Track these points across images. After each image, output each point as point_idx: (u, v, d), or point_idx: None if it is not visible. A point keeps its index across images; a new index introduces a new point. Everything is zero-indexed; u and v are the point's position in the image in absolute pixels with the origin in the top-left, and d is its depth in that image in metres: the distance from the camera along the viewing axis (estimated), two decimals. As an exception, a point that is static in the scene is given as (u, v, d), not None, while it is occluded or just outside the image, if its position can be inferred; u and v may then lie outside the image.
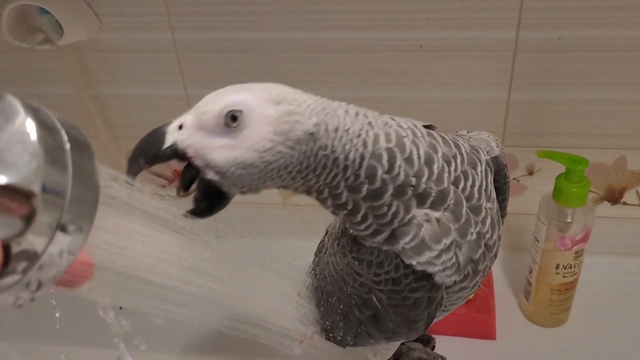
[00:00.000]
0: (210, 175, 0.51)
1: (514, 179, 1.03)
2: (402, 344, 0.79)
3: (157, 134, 0.51)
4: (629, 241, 1.06)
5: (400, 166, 0.54)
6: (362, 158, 0.54)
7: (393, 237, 0.57)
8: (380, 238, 0.57)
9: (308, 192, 0.56)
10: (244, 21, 0.94)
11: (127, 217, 0.72)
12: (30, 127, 0.32)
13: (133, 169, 0.51)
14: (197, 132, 0.51)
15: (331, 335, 0.73)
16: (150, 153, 0.51)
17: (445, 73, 0.94)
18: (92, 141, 0.37)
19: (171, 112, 1.05)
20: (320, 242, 0.76)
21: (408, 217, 0.56)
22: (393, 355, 0.78)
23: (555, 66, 0.90)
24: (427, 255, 0.58)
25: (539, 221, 0.90)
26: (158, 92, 1.03)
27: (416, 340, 0.84)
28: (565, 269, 0.90)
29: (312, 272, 0.77)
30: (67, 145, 0.34)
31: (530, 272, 0.96)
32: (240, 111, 0.50)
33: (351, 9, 0.90)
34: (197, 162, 0.51)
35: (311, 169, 0.53)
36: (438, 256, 0.59)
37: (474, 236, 0.60)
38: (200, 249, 0.75)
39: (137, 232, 0.72)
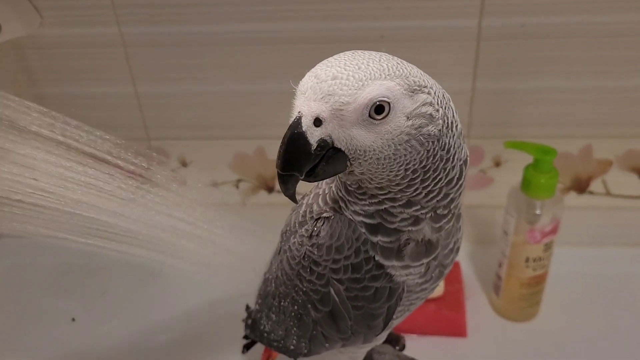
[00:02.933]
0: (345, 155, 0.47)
1: (481, 171, 1.00)
2: (371, 349, 0.75)
3: (299, 140, 0.45)
4: (596, 231, 1.05)
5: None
6: (465, 164, 0.53)
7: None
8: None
9: (386, 190, 0.52)
10: (196, 13, 0.89)
11: (25, 144, 0.67)
12: None
13: (290, 187, 0.47)
14: (339, 126, 0.46)
15: (283, 344, 0.70)
16: (301, 164, 0.46)
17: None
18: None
19: (120, 111, 1.01)
20: (276, 249, 0.72)
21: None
22: (363, 363, 0.74)
23: (520, 54, 0.88)
24: (395, 264, 0.56)
25: (508, 214, 0.88)
26: (105, 90, 0.98)
27: (385, 341, 0.81)
28: (535, 262, 0.88)
29: (264, 279, 0.74)
30: None
31: (500, 266, 0.93)
32: (387, 103, 0.45)
33: (308, -2, 0.86)
34: (343, 149, 0.47)
35: (426, 169, 0.50)
36: (405, 267, 0.56)
37: (452, 244, 0.57)
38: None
39: (38, 160, 0.69)
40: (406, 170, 0.49)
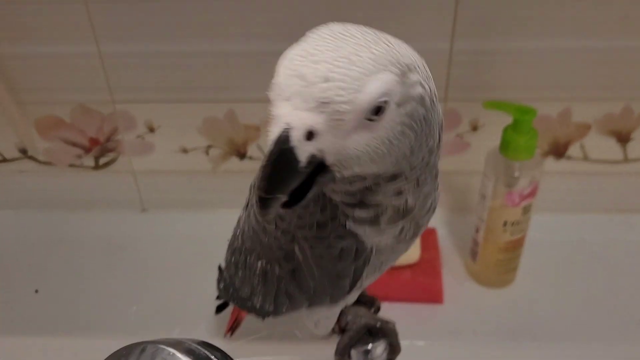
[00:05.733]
0: (332, 166, 0.41)
1: (457, 135, 0.98)
2: (346, 312, 0.73)
3: (288, 157, 0.38)
4: (573, 197, 1.04)
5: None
6: (442, 128, 0.48)
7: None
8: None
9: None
10: (161, -34, 0.84)
11: None
12: None
13: (272, 210, 0.40)
14: (334, 136, 0.39)
15: (249, 303, 0.67)
16: (288, 185, 0.39)
17: (384, 23, 0.87)
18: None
19: (83, 72, 0.96)
20: (245, 202, 0.68)
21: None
22: (338, 325, 0.72)
23: (500, 13, 0.85)
24: (368, 231, 0.53)
25: (486, 177, 0.86)
26: (66, 49, 0.92)
27: (359, 304, 0.79)
28: (513, 225, 0.87)
29: (233, 234, 0.70)
30: None
31: (477, 231, 0.92)
32: (386, 102, 0.39)
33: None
34: (331, 163, 0.41)
35: (413, 150, 0.45)
36: (379, 233, 0.53)
37: (429, 204, 0.54)
38: None
39: None
40: (397, 159, 0.44)
